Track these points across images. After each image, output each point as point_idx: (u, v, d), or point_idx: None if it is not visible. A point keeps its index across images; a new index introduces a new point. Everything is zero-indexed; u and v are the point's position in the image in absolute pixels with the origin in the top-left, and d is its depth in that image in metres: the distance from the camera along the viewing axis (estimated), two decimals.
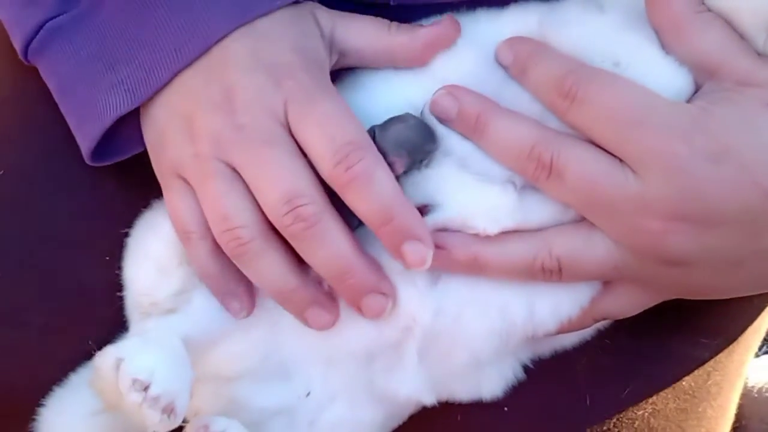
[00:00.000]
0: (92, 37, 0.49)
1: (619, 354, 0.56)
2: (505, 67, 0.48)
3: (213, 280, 0.48)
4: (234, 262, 0.47)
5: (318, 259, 0.46)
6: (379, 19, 0.50)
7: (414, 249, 0.45)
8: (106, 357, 0.43)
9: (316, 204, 0.45)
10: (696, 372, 0.59)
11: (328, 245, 0.45)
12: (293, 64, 0.47)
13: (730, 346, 0.61)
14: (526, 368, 0.53)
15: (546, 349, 0.54)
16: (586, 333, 0.53)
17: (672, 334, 0.57)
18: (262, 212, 0.46)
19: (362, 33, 0.50)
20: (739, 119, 0.42)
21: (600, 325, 0.53)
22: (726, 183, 0.42)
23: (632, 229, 0.44)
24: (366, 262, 0.46)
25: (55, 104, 0.51)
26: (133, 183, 0.53)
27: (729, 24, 0.44)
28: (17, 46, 0.52)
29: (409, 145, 0.46)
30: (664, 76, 0.45)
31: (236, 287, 0.48)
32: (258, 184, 0.45)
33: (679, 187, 0.42)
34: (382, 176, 0.45)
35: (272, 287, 0.47)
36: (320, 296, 0.48)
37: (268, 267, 0.46)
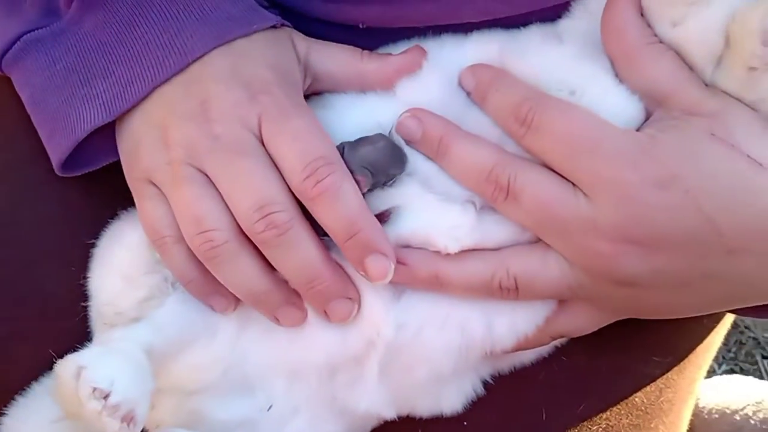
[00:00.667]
0: (70, 50, 0.50)
1: (575, 371, 0.58)
2: (467, 92, 0.50)
3: (193, 283, 0.49)
4: (206, 265, 0.48)
5: (288, 265, 0.47)
6: (352, 47, 0.52)
7: (377, 262, 0.46)
8: (67, 365, 0.43)
9: (287, 212, 0.46)
10: (648, 389, 0.61)
11: (298, 252, 0.47)
12: (269, 81, 0.48)
13: (681, 364, 0.63)
14: (485, 383, 0.55)
15: (505, 365, 0.55)
16: (544, 350, 0.55)
17: (625, 351, 0.59)
18: (234, 218, 0.47)
19: (335, 59, 0.51)
20: (685, 148, 0.44)
21: (557, 342, 0.55)
22: (671, 208, 0.44)
23: (584, 250, 0.46)
24: (334, 269, 0.48)
25: (25, 114, 0.52)
26: (100, 193, 0.54)
27: (679, 55, 0.46)
28: None
29: (375, 167, 0.47)
30: (616, 105, 0.47)
31: (218, 286, 0.49)
32: (230, 191, 0.46)
33: (628, 211, 0.44)
34: (349, 191, 0.46)
35: (244, 290, 0.48)
36: (291, 296, 0.49)
37: (240, 270, 0.47)
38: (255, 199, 0.46)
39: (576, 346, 0.54)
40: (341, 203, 0.46)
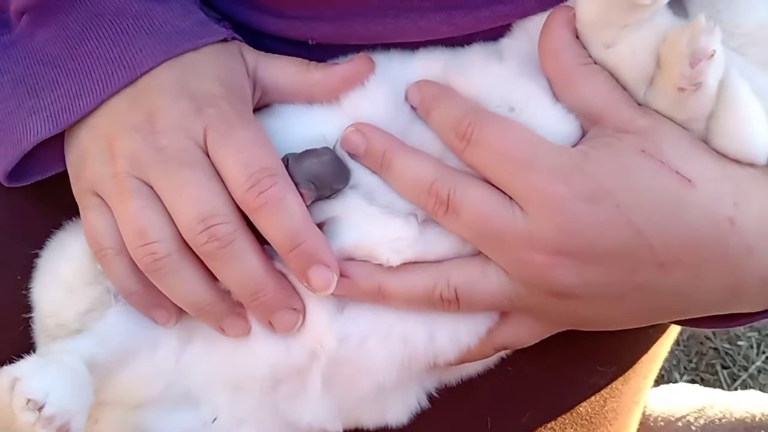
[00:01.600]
0: (19, 62, 0.50)
1: (520, 380, 0.58)
2: (413, 107, 0.51)
3: (135, 296, 0.49)
4: (149, 277, 0.48)
5: (231, 277, 0.47)
6: (300, 59, 0.53)
7: (319, 273, 0.47)
8: (1, 377, 0.43)
9: (230, 224, 0.46)
10: (593, 398, 0.62)
11: (241, 264, 0.47)
12: (216, 94, 0.48)
13: (626, 374, 0.64)
14: (431, 395, 0.55)
15: (452, 377, 0.56)
16: (490, 361, 0.55)
17: (570, 362, 0.60)
18: (178, 230, 0.47)
19: (282, 71, 0.52)
20: (615, 163, 0.45)
21: (503, 353, 0.55)
22: (602, 221, 0.45)
23: (521, 262, 0.47)
24: (277, 280, 0.48)
25: None
26: (47, 203, 0.53)
27: (613, 76, 0.47)
28: None
29: (319, 180, 0.48)
30: (553, 123, 0.48)
31: (160, 299, 0.49)
32: (174, 202, 0.46)
33: (560, 224, 0.45)
34: (292, 203, 0.46)
35: (188, 301, 0.48)
36: (235, 306, 0.49)
37: (183, 282, 0.47)
38: (198, 210, 0.46)
39: (521, 357, 0.55)
40: (284, 214, 0.46)
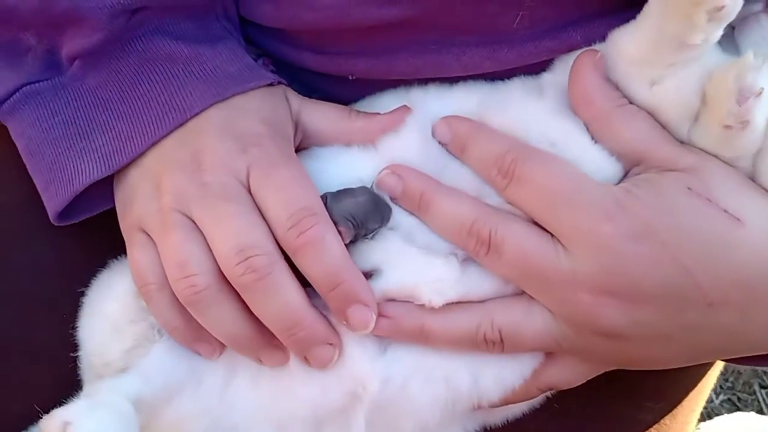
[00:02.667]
0: (70, 104, 0.51)
1: (567, 418, 0.58)
2: (443, 144, 0.51)
3: (178, 331, 0.50)
4: (189, 309, 0.48)
5: (267, 311, 0.47)
6: (341, 106, 0.53)
7: (359, 313, 0.47)
8: (52, 421, 0.43)
9: (268, 256, 0.46)
10: None
11: (278, 298, 0.47)
12: (261, 134, 0.49)
13: (674, 409, 0.63)
14: None
15: (497, 418, 0.55)
16: (536, 401, 0.54)
17: (618, 398, 0.59)
18: (218, 264, 0.47)
19: (325, 117, 0.53)
20: (660, 201, 0.45)
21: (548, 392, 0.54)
22: (647, 260, 0.44)
23: (565, 302, 0.46)
24: (314, 316, 0.48)
25: (20, 160, 0.53)
26: (94, 241, 0.54)
27: (654, 114, 0.47)
28: None
29: (355, 220, 0.48)
30: (595, 161, 0.47)
31: (202, 332, 0.49)
32: (214, 235, 0.47)
33: (604, 263, 0.45)
34: (332, 242, 0.47)
35: (225, 335, 0.49)
36: (273, 339, 0.49)
37: (221, 315, 0.48)
38: (236, 242, 0.46)
39: (568, 394, 0.54)
40: (324, 254, 0.46)
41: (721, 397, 1.22)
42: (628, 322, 0.46)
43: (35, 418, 0.52)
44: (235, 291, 0.47)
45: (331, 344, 0.48)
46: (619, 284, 0.45)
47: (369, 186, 0.50)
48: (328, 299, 0.47)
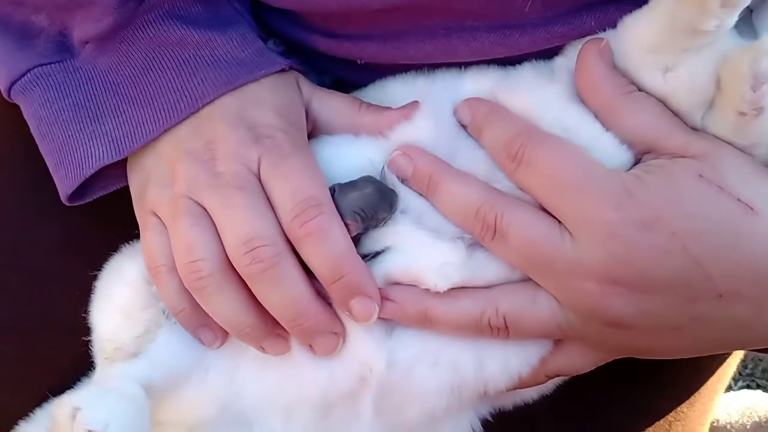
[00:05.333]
0: (81, 87, 0.52)
1: (582, 405, 0.58)
2: (463, 126, 0.50)
3: (183, 314, 0.50)
4: (194, 295, 0.48)
5: (272, 301, 0.48)
6: (352, 97, 0.53)
7: (362, 305, 0.47)
8: (62, 406, 0.44)
9: (274, 246, 0.46)
10: (657, 422, 0.60)
11: (283, 288, 0.47)
12: (273, 124, 0.49)
13: (692, 397, 0.62)
14: (487, 421, 0.54)
15: (507, 402, 0.55)
16: (547, 387, 0.54)
17: (635, 384, 0.59)
18: (225, 251, 0.47)
19: (335, 109, 0.53)
20: (670, 189, 0.44)
21: (561, 378, 0.54)
22: (656, 249, 0.43)
23: (571, 289, 0.46)
24: (319, 306, 0.48)
25: (32, 140, 0.53)
26: (106, 220, 0.55)
27: (668, 101, 0.46)
28: (1, 84, 0.53)
29: (363, 212, 0.48)
30: (607, 147, 0.46)
31: (206, 319, 0.50)
32: (223, 223, 0.47)
33: (611, 252, 0.44)
34: (336, 234, 0.47)
35: (228, 322, 0.49)
36: (276, 328, 0.49)
37: (225, 302, 0.48)
38: (244, 231, 0.46)
39: (583, 380, 0.53)
40: (327, 246, 0.46)
41: (740, 383, 1.21)
42: (636, 311, 0.45)
43: (50, 393, 0.53)
44: (241, 279, 0.48)
45: (335, 333, 0.49)
46: (626, 273, 0.44)
47: (380, 168, 0.50)
48: (331, 290, 0.48)
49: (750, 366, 1.24)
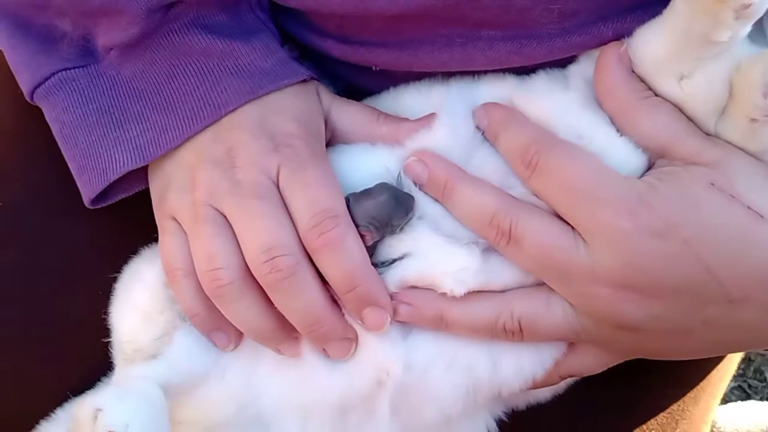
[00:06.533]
0: (105, 93, 0.52)
1: (590, 403, 0.58)
2: (481, 130, 0.51)
3: (198, 318, 0.51)
4: (213, 302, 0.49)
5: (290, 308, 0.49)
6: (371, 108, 0.54)
7: (374, 315, 0.49)
8: (84, 407, 0.45)
9: (293, 256, 0.47)
10: (663, 420, 0.61)
11: (301, 297, 0.48)
12: (293, 133, 0.50)
13: (696, 394, 0.63)
14: (501, 420, 0.55)
15: (520, 401, 0.56)
16: (559, 387, 0.55)
17: (640, 382, 0.60)
18: (245, 259, 0.48)
19: (353, 119, 0.53)
20: (683, 197, 0.45)
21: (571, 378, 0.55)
22: (668, 257, 0.44)
23: (585, 295, 0.46)
24: (334, 314, 0.49)
25: (55, 141, 0.54)
26: (128, 220, 0.55)
27: (682, 107, 0.47)
28: (24, 86, 0.54)
29: (377, 221, 0.49)
30: (621, 154, 0.47)
31: (221, 322, 0.50)
32: (243, 231, 0.48)
33: (624, 258, 0.45)
34: (352, 245, 0.48)
35: (247, 327, 0.50)
36: (293, 332, 0.50)
37: (244, 309, 0.49)
38: (264, 241, 0.47)
39: (591, 379, 0.54)
40: (342, 257, 0.47)
41: (732, 384, 1.22)
42: (648, 316, 0.46)
43: (72, 393, 0.53)
44: (260, 286, 0.48)
45: (348, 338, 0.50)
46: (639, 280, 0.45)
47: (396, 174, 0.50)
48: (345, 300, 0.49)
49: (742, 366, 1.25)
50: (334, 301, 0.50)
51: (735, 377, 1.24)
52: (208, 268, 0.48)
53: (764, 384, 1.24)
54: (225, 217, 0.49)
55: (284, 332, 0.50)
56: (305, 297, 0.48)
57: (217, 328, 0.51)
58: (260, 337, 0.50)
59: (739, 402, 0.90)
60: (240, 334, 0.51)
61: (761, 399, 1.15)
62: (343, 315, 0.50)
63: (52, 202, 0.57)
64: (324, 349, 0.50)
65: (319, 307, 0.48)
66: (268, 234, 0.47)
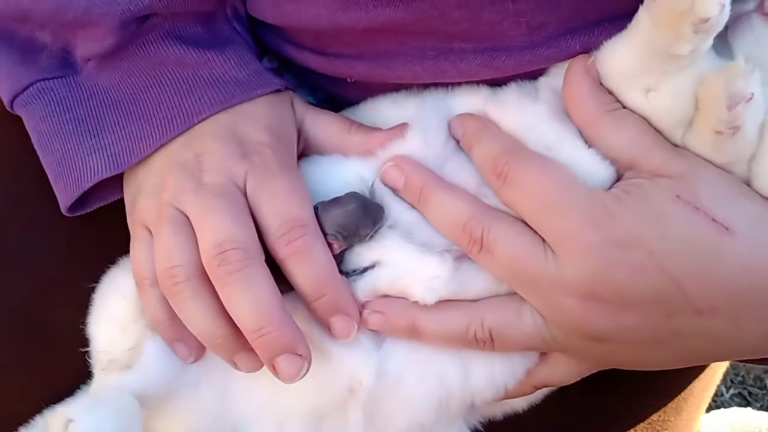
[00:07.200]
0: (82, 103, 0.53)
1: (570, 414, 0.58)
2: (457, 141, 0.52)
3: (162, 326, 0.51)
4: (170, 302, 0.49)
5: (237, 305, 0.47)
6: (344, 117, 0.54)
7: (341, 323, 0.49)
8: (56, 417, 0.45)
9: (244, 251, 0.47)
10: (644, 431, 0.62)
11: (249, 293, 0.46)
12: (263, 142, 0.50)
13: (679, 405, 0.63)
14: (477, 430, 0.55)
15: (497, 412, 0.56)
16: (535, 397, 0.55)
17: (622, 393, 0.60)
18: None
19: (325, 129, 0.54)
20: (648, 209, 0.45)
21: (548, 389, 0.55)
22: (634, 268, 0.44)
23: (554, 305, 0.47)
24: (285, 320, 0.47)
25: (34, 149, 0.54)
26: (106, 229, 0.55)
27: (649, 120, 0.47)
28: (4, 96, 0.55)
29: (345, 230, 0.49)
30: (589, 165, 0.47)
31: (184, 333, 0.50)
32: (200, 228, 0.48)
33: (590, 270, 0.45)
34: (319, 254, 0.48)
35: (202, 332, 0.49)
36: (248, 343, 0.48)
37: (199, 310, 0.48)
38: (217, 235, 0.47)
39: (571, 390, 0.54)
40: (310, 265, 0.48)
41: (732, 391, 1.21)
42: (615, 326, 0.46)
43: (50, 401, 0.53)
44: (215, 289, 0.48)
45: (299, 355, 0.47)
46: (605, 291, 0.45)
47: (371, 183, 0.51)
48: (312, 308, 0.49)
49: (742, 374, 1.24)
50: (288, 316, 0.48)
51: (735, 384, 1.23)
52: (166, 266, 0.48)
53: (764, 391, 1.23)
54: (188, 217, 0.49)
55: (239, 342, 0.48)
56: (254, 294, 0.46)
57: (179, 338, 0.50)
58: (215, 345, 0.49)
59: (722, 409, 0.90)
60: (202, 347, 0.51)
61: (761, 406, 1.14)
62: (296, 326, 0.47)
63: (31, 212, 0.58)
64: (274, 368, 0.47)
65: (267, 308, 0.46)
66: (222, 228, 0.47)
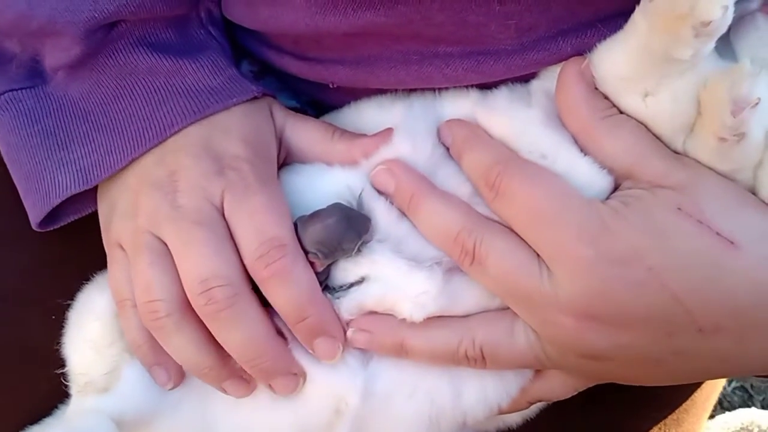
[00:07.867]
0: (51, 114, 0.51)
1: (568, 428, 0.57)
2: (446, 148, 0.49)
3: (141, 351, 0.49)
4: (153, 334, 0.48)
5: (230, 341, 0.47)
6: (326, 124, 0.52)
7: (325, 345, 0.47)
8: None
9: (231, 287, 0.46)
10: None
11: (241, 329, 0.46)
12: (240, 156, 0.48)
13: (680, 416, 0.61)
14: None
15: (490, 427, 0.54)
16: (531, 412, 0.53)
17: (621, 407, 0.58)
18: (183, 290, 0.47)
19: (307, 137, 0.52)
20: (647, 222, 0.42)
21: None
22: (632, 285, 0.42)
23: (548, 322, 0.44)
24: (278, 347, 0.48)
25: (2, 162, 0.53)
26: (81, 242, 0.54)
27: (649, 125, 0.44)
28: None
29: (325, 247, 0.47)
30: (586, 173, 0.45)
31: (163, 358, 0.49)
32: (181, 260, 0.47)
33: (587, 287, 0.43)
34: (300, 275, 0.46)
35: (188, 362, 0.48)
36: (237, 369, 0.48)
37: (183, 343, 0.47)
38: (200, 271, 0.46)
39: (568, 402, 0.52)
40: (290, 288, 0.46)
41: (734, 384, 1.21)
42: (612, 345, 0.44)
43: (26, 418, 0.53)
44: (199, 318, 0.47)
45: (294, 374, 0.48)
46: (602, 309, 0.43)
47: (358, 193, 0.49)
48: (295, 331, 0.47)
49: None
50: (281, 333, 0.48)
51: (736, 377, 1.22)
52: (146, 299, 0.47)
53: (767, 384, 1.22)
54: (165, 244, 0.47)
55: (227, 369, 0.48)
56: (246, 330, 0.46)
57: (158, 363, 0.49)
58: (201, 374, 0.48)
59: (728, 412, 0.89)
60: (182, 373, 0.50)
61: (763, 399, 1.13)
62: (289, 348, 0.48)
63: (4, 226, 0.56)
64: (271, 386, 0.48)
65: (261, 339, 0.47)
66: (205, 263, 0.46)
